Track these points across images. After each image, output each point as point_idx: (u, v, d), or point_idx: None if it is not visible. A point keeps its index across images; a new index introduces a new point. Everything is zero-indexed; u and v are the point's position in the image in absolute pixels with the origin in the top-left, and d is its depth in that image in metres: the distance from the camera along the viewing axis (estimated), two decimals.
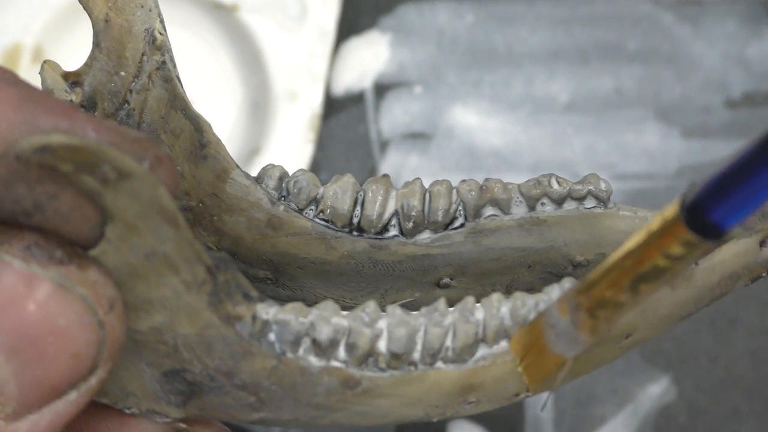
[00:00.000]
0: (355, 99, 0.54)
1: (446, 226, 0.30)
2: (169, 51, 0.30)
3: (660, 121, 0.54)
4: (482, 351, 0.27)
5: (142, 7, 0.29)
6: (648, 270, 0.23)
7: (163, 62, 0.29)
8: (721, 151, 0.54)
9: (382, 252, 0.30)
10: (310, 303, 0.28)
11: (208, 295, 0.25)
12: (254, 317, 0.26)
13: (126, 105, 0.29)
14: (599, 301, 0.24)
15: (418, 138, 0.54)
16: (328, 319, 0.26)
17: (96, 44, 0.29)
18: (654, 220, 0.23)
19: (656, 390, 0.51)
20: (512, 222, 0.30)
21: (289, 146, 0.51)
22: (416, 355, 0.27)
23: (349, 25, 0.55)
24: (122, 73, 0.28)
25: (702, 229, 0.21)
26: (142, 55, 0.29)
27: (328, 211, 0.30)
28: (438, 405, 0.27)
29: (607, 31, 0.56)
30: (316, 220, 0.30)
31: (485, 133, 0.54)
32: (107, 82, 0.28)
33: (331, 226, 0.30)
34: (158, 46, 0.29)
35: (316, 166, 0.53)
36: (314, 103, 0.52)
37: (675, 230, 0.22)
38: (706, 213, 0.21)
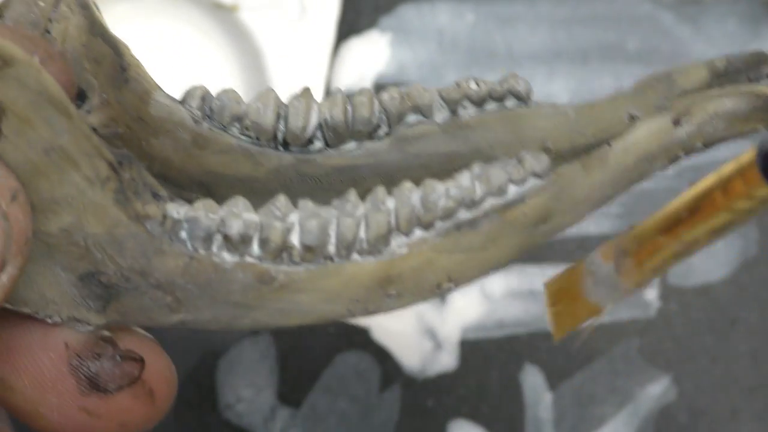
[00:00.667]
0: None
1: (370, 135, 0.30)
2: None
3: None
4: (397, 240, 0.27)
5: None
6: (714, 223, 0.23)
7: None
8: (721, 151, 0.54)
9: (308, 165, 0.30)
10: None
11: (113, 192, 0.25)
12: (164, 216, 0.26)
13: (47, 35, 0.29)
14: (650, 250, 0.24)
15: None
16: (239, 214, 0.26)
17: None
18: (726, 168, 0.23)
19: (656, 390, 0.51)
20: (436, 128, 0.30)
21: None
22: (331, 248, 0.27)
23: (349, 25, 0.55)
24: (41, 3, 0.29)
25: None
26: None
27: (252, 127, 0.30)
28: (359, 299, 0.27)
29: (608, 31, 0.56)
30: (241, 136, 0.30)
31: None
32: (27, 13, 0.28)
33: (256, 142, 0.30)
34: None
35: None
36: None
37: (749, 178, 0.22)
38: None
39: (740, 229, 0.51)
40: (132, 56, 0.30)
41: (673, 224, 0.24)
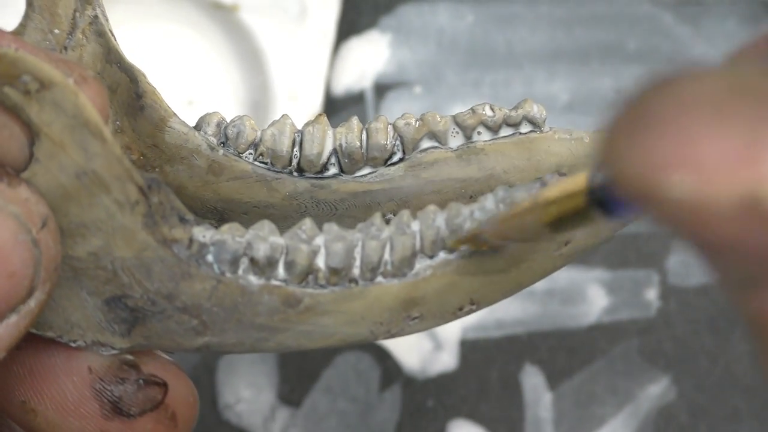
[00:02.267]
0: (356, 99, 0.54)
1: (385, 161, 0.30)
2: (101, 5, 0.30)
3: None
4: (421, 263, 0.27)
5: None
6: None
7: (95, 17, 0.29)
8: None
9: (323, 191, 0.30)
10: None
11: (142, 216, 0.25)
12: (191, 239, 0.26)
13: None
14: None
15: None
16: (265, 237, 0.26)
17: (28, 4, 0.29)
18: (553, 187, 0.23)
19: (656, 390, 0.51)
20: (450, 153, 0.30)
21: None
22: (356, 271, 0.27)
23: (349, 25, 0.55)
24: (56, 31, 0.29)
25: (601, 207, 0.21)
26: (74, 11, 0.29)
27: (267, 153, 0.30)
28: (382, 322, 0.27)
29: (608, 31, 0.56)
30: (256, 163, 0.30)
31: None
32: (42, 41, 0.28)
33: (272, 168, 0.30)
34: (89, 0, 0.29)
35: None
36: (314, 102, 0.52)
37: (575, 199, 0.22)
38: (610, 200, 0.20)
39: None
40: (148, 83, 0.30)
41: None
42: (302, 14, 0.53)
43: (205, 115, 0.30)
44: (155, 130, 0.30)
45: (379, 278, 0.27)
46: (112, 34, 0.30)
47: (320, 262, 0.27)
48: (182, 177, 0.30)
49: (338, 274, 0.27)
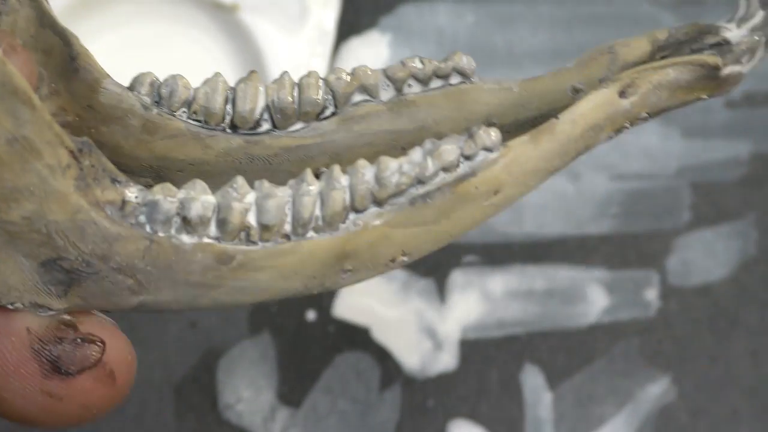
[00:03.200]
0: None
1: (317, 116, 0.31)
2: None
3: (660, 121, 0.54)
4: (352, 217, 0.28)
5: None
6: None
7: None
8: (722, 151, 0.54)
9: (257, 147, 0.31)
10: None
11: (74, 179, 0.26)
12: (124, 201, 0.27)
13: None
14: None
15: None
16: (197, 196, 0.27)
17: None
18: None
19: (656, 390, 0.51)
20: (381, 106, 0.31)
21: None
22: (287, 227, 0.27)
23: (350, 25, 0.55)
24: None
25: None
26: None
27: (200, 111, 0.30)
28: (315, 275, 0.28)
29: (608, 31, 0.56)
30: (190, 120, 0.30)
31: None
32: None
33: (205, 126, 0.30)
34: None
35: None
36: None
37: None
38: None
39: (739, 229, 0.51)
40: (81, 46, 0.30)
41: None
42: (302, 14, 0.53)
43: (139, 75, 0.31)
44: (90, 91, 0.30)
45: (311, 233, 0.27)
46: None
47: (252, 219, 0.27)
48: (118, 137, 0.30)
49: (270, 230, 0.27)
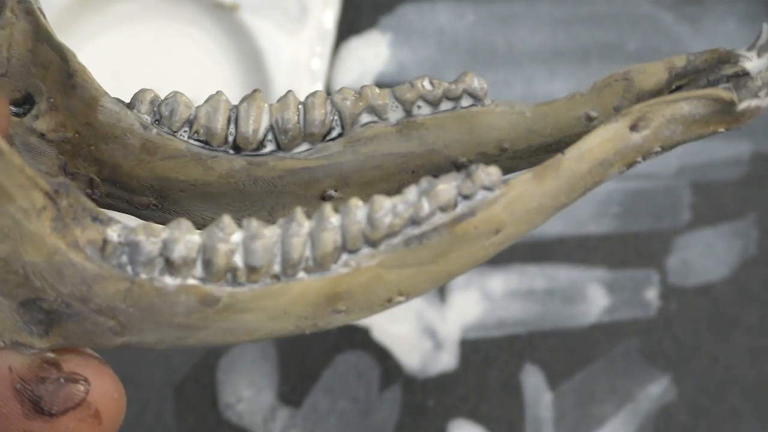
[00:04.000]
0: None
1: (323, 137, 0.30)
2: None
3: None
4: (345, 257, 0.27)
5: None
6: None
7: None
8: (722, 151, 0.54)
9: (260, 168, 0.30)
10: (199, 226, 0.28)
11: (50, 220, 0.25)
12: (105, 240, 0.26)
13: None
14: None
15: None
16: (180, 237, 0.26)
17: None
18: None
19: (656, 390, 0.51)
20: (390, 128, 0.30)
21: None
22: (276, 267, 0.26)
23: (350, 25, 0.55)
24: None
25: None
26: None
27: (202, 131, 0.29)
28: (306, 316, 0.27)
29: (608, 30, 0.56)
30: (191, 141, 0.30)
31: None
32: None
33: (207, 147, 0.30)
34: None
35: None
36: None
37: None
38: None
39: (740, 229, 0.51)
40: (78, 63, 0.29)
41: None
42: (302, 14, 0.53)
43: (139, 93, 0.30)
44: (88, 109, 0.29)
45: (301, 273, 0.27)
46: (41, 12, 0.29)
47: (239, 259, 0.26)
48: (117, 155, 0.30)
49: (257, 272, 0.26)
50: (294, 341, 0.51)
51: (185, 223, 0.26)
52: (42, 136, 0.29)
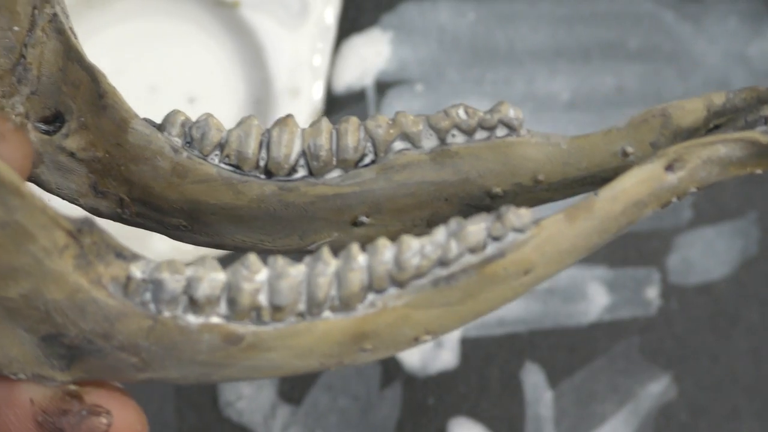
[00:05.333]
0: (357, 97, 0.54)
1: (356, 163, 0.29)
2: (60, 2, 0.29)
3: None
4: (371, 297, 0.26)
5: None
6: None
7: (55, 14, 0.29)
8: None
9: (291, 194, 0.29)
10: (230, 248, 0.28)
11: (73, 258, 0.25)
12: (128, 277, 0.26)
13: (22, 60, 0.28)
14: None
15: None
16: (205, 276, 0.26)
17: None
18: None
19: (657, 388, 0.51)
20: (424, 156, 0.29)
21: None
22: (301, 306, 0.26)
23: (351, 23, 0.55)
24: (15, 28, 0.28)
25: None
26: (33, 8, 0.29)
27: (233, 156, 0.29)
28: (332, 355, 0.27)
29: (609, 29, 0.56)
30: (222, 165, 0.29)
31: None
32: (1, 38, 0.28)
33: (238, 171, 0.29)
34: None
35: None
36: (315, 99, 0.52)
37: None
38: None
39: (741, 228, 0.51)
40: (108, 84, 0.29)
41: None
42: (303, 11, 0.53)
43: (170, 115, 0.30)
44: (118, 130, 0.29)
45: (327, 313, 0.26)
46: (72, 32, 0.29)
47: (263, 299, 0.26)
48: (147, 177, 0.29)
49: (282, 311, 0.26)
50: None
51: (210, 262, 0.26)
52: (72, 155, 0.29)
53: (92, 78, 0.29)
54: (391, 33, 0.55)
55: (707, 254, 0.53)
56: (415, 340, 0.27)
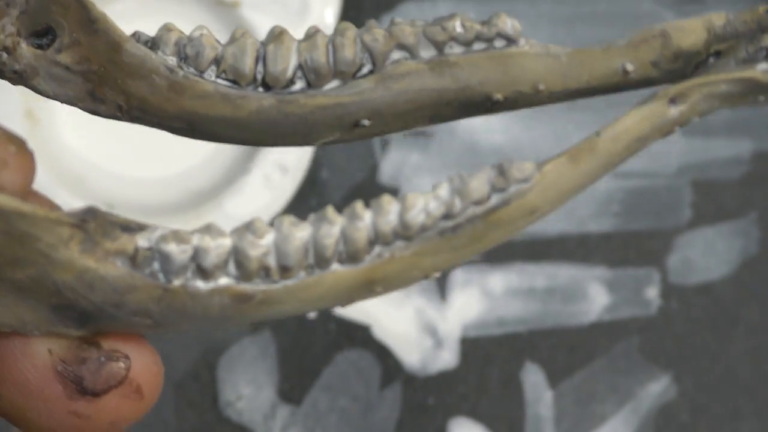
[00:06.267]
0: None
1: (354, 74, 0.29)
2: None
3: None
4: (378, 249, 0.27)
5: None
6: None
7: None
8: (722, 150, 0.54)
9: (291, 105, 0.29)
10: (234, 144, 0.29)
11: (79, 244, 0.25)
12: (136, 248, 0.26)
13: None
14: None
15: (419, 136, 0.54)
16: (211, 244, 0.26)
17: None
18: None
19: (657, 388, 0.51)
20: (422, 65, 0.29)
21: None
22: (310, 260, 0.27)
23: (351, 23, 0.55)
24: None
25: None
26: None
27: (229, 71, 0.29)
28: (342, 299, 0.27)
29: (609, 29, 0.56)
30: (219, 81, 0.29)
31: (486, 131, 0.54)
32: None
33: (235, 86, 0.29)
34: None
35: (317, 163, 0.53)
36: None
37: None
38: None
39: (740, 228, 0.51)
40: (99, 11, 0.29)
41: None
42: (303, 11, 0.53)
43: (163, 33, 0.30)
44: (112, 51, 0.29)
45: (335, 265, 0.27)
46: None
47: (271, 260, 0.26)
48: (144, 92, 0.29)
49: (290, 270, 0.26)
50: (294, 339, 0.51)
51: (215, 228, 0.26)
52: (67, 68, 0.29)
53: (81, 4, 0.29)
54: None
55: (707, 254, 0.53)
56: (425, 277, 0.28)
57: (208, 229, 0.26)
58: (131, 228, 0.26)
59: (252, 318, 0.27)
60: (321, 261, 0.27)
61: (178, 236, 0.26)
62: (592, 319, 0.52)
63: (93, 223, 0.26)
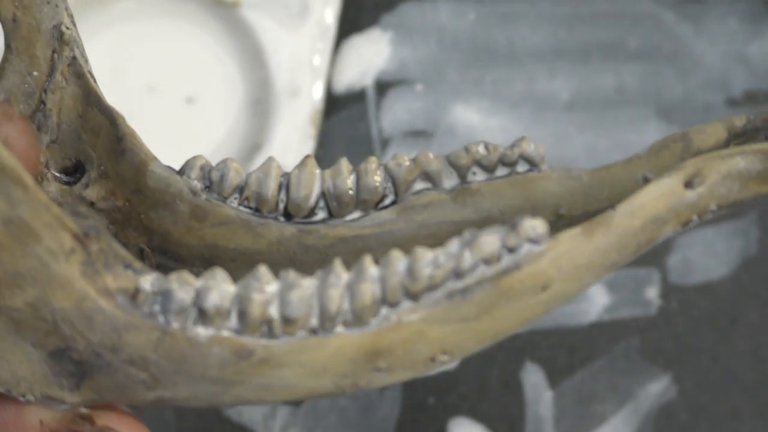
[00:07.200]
0: (357, 97, 0.54)
1: (376, 204, 0.29)
2: (79, 46, 0.29)
3: (661, 119, 0.54)
4: (385, 312, 0.26)
5: (48, 3, 0.28)
6: None
7: (74, 57, 0.29)
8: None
9: (311, 236, 0.29)
10: None
11: (80, 264, 0.25)
12: (137, 289, 0.25)
13: (42, 106, 0.28)
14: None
15: (419, 136, 0.54)
16: (214, 286, 0.25)
17: (6, 45, 0.28)
18: None
19: (657, 388, 0.51)
20: (444, 195, 0.29)
21: (291, 142, 0.51)
22: (314, 321, 0.26)
23: (351, 23, 0.55)
24: (35, 73, 0.28)
25: None
26: (53, 52, 0.28)
27: (252, 198, 0.29)
28: (346, 374, 0.26)
29: (609, 29, 0.56)
30: (241, 207, 0.29)
31: (486, 132, 0.54)
32: (21, 84, 0.28)
33: (257, 214, 0.29)
34: (66, 41, 0.29)
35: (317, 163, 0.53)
36: (315, 99, 0.52)
37: None
38: None
39: (741, 228, 0.51)
40: (127, 126, 0.29)
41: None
42: (303, 11, 0.53)
43: (190, 159, 0.30)
44: (137, 174, 0.29)
45: (339, 328, 0.26)
46: (92, 76, 0.29)
47: (274, 311, 0.26)
48: (167, 222, 0.29)
49: (293, 324, 0.26)
50: None
51: (221, 273, 0.26)
52: (92, 204, 0.29)
53: (111, 121, 0.29)
54: (391, 33, 0.56)
55: (707, 254, 0.53)
56: (432, 360, 0.27)
57: (213, 274, 0.26)
58: (134, 268, 0.25)
59: (251, 384, 0.26)
60: (325, 318, 0.26)
61: (182, 277, 0.26)
62: (592, 319, 0.52)
63: (96, 245, 0.25)
